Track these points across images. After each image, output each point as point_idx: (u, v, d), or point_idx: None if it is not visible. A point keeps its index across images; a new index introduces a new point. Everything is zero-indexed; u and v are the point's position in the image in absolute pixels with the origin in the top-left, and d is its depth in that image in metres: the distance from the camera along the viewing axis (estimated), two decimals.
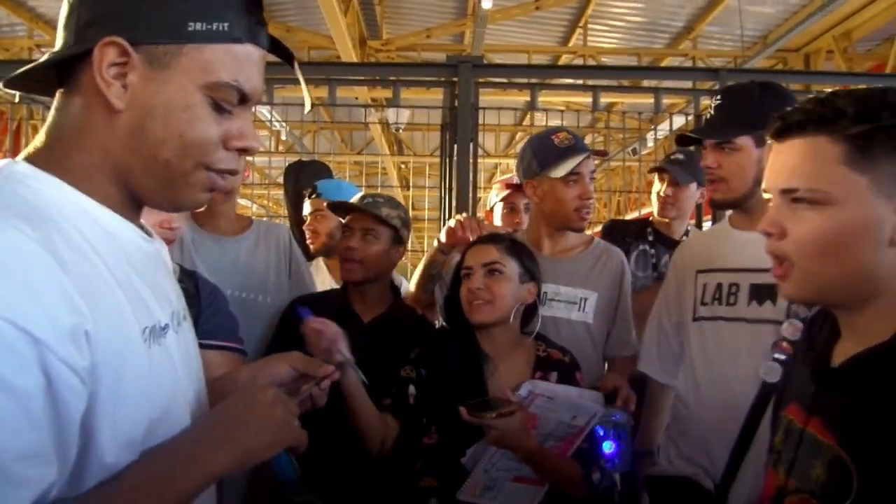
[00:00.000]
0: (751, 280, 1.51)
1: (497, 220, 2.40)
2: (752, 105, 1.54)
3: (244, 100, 0.74)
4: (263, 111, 3.98)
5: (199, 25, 0.69)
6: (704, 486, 1.52)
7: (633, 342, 1.96)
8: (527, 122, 9.33)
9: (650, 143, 7.66)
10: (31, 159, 0.71)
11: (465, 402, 1.41)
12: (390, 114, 5.84)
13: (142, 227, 0.79)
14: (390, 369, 1.66)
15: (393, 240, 1.88)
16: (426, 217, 11.09)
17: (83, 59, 0.70)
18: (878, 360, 0.79)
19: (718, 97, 1.65)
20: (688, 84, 3.36)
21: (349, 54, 5.57)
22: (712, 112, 1.64)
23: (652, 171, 2.61)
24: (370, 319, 1.87)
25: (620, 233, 2.52)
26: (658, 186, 2.59)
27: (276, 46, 0.80)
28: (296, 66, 0.84)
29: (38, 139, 0.73)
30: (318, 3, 4.59)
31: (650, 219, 2.69)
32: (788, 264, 0.84)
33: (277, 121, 4.24)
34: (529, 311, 1.69)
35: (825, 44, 6.48)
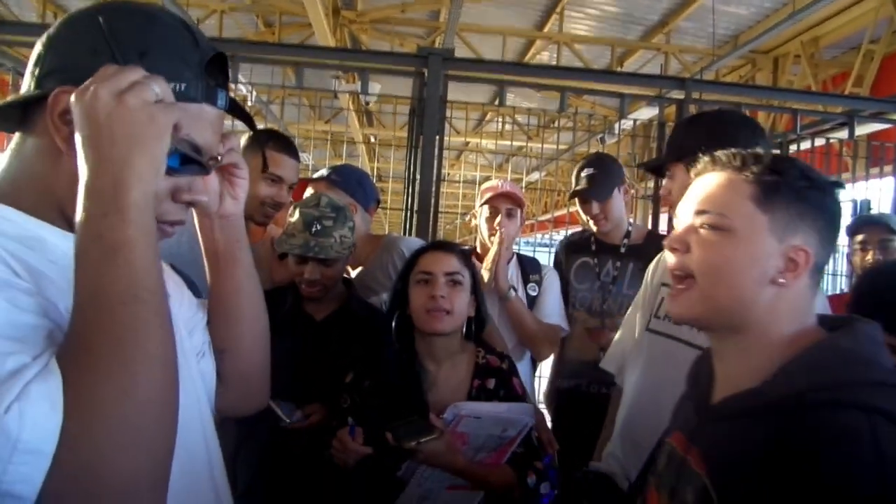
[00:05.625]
0: None
1: (482, 224, 2.36)
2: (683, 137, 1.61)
3: (196, 153, 0.77)
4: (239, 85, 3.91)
5: None
6: (619, 486, 1.57)
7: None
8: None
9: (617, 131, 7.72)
10: None
11: (394, 422, 1.43)
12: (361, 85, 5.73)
13: None
14: (341, 369, 1.69)
15: (345, 259, 1.88)
16: (391, 190, 11.07)
17: (41, 105, 0.71)
18: (744, 403, 0.86)
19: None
20: (654, 91, 3.39)
21: (320, 23, 5.43)
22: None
23: (572, 198, 2.48)
24: (322, 318, 1.89)
25: (568, 250, 2.58)
26: (580, 207, 2.48)
27: (236, 108, 0.85)
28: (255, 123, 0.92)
29: None
30: None
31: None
32: (690, 281, 0.91)
33: (243, 83, 4.14)
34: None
35: (794, 48, 6.60)
